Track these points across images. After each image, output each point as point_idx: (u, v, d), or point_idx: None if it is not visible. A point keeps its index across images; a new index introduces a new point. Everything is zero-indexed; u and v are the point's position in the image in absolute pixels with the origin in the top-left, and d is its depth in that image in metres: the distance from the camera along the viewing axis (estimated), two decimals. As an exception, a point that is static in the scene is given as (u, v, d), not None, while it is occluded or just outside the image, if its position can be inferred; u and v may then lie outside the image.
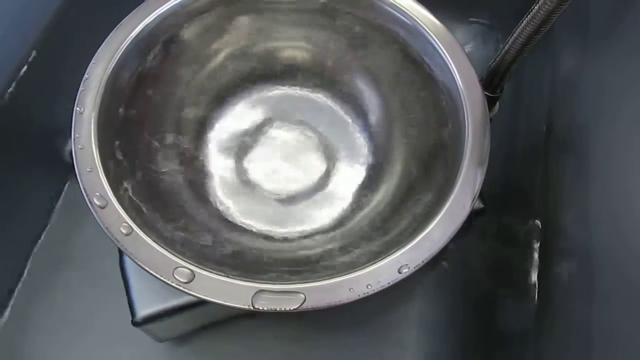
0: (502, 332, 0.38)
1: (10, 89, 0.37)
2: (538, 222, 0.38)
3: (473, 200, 0.30)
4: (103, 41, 0.33)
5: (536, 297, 0.37)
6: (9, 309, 0.39)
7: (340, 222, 0.35)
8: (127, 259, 0.35)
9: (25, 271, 0.40)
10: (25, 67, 0.38)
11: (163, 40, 0.35)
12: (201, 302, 0.34)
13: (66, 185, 0.43)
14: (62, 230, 0.41)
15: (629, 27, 0.34)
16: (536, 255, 0.38)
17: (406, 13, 0.35)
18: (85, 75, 0.32)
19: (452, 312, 0.39)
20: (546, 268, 0.37)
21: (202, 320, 0.38)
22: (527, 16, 0.31)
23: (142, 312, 0.34)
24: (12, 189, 0.39)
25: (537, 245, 0.38)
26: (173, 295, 0.34)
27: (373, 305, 0.39)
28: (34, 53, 0.38)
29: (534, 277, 0.37)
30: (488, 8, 0.48)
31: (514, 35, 0.32)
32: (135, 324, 0.34)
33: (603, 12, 0.36)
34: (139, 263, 0.27)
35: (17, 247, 0.40)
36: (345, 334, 0.39)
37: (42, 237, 0.41)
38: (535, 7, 0.31)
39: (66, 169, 0.42)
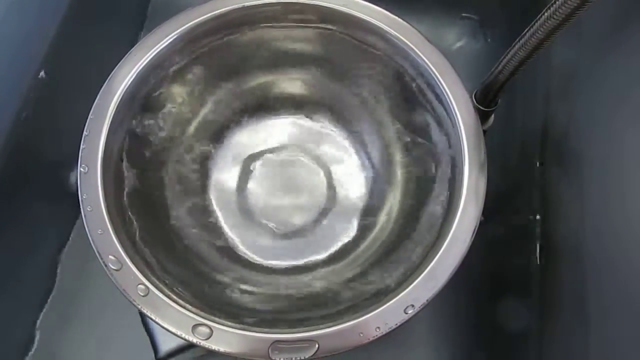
0: (506, 335, 0.40)
1: (14, 127, 0.37)
2: (537, 229, 0.39)
3: (473, 233, 0.31)
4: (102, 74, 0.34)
5: (538, 300, 0.38)
6: (35, 345, 0.41)
7: (344, 252, 0.36)
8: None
9: (44, 310, 0.41)
10: (27, 104, 0.38)
11: (155, 86, 0.35)
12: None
13: (78, 217, 0.44)
14: (77, 266, 0.42)
15: (622, 35, 0.33)
16: (536, 266, 0.39)
17: (395, 34, 0.35)
18: (85, 132, 0.32)
19: (455, 314, 0.41)
20: (547, 273, 0.38)
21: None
22: (519, 41, 0.31)
23: (165, 347, 0.35)
24: (23, 225, 0.40)
25: (537, 251, 0.39)
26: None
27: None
28: (33, 91, 0.38)
29: (536, 281, 0.39)
30: (478, 4, 0.47)
31: (507, 57, 0.32)
32: None
33: (596, 19, 0.36)
34: (159, 322, 0.29)
35: (34, 283, 0.42)
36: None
37: (57, 274, 0.42)
38: (528, 34, 0.30)
39: (73, 201, 0.43)
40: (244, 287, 0.34)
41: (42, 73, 0.39)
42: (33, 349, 0.40)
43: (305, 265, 0.36)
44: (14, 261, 0.39)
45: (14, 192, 0.39)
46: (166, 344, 0.35)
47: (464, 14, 0.47)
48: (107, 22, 0.45)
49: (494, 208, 0.41)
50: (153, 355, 0.36)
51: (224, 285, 0.33)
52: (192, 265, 0.34)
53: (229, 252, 0.36)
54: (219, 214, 0.38)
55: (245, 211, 0.38)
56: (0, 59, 0.37)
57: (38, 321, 0.41)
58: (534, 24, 0.30)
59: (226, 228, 0.37)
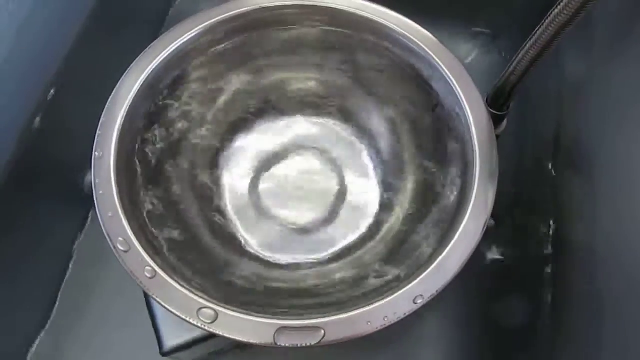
0: (516, 339, 0.39)
1: (33, 127, 0.38)
2: (549, 235, 0.39)
3: (484, 226, 0.31)
4: (119, 78, 0.35)
5: (550, 304, 0.38)
6: (37, 342, 0.40)
7: (354, 249, 0.36)
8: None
9: (55, 306, 0.42)
10: (45, 105, 0.39)
11: (173, 79, 0.36)
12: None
13: (89, 217, 0.44)
14: (87, 263, 0.43)
15: (633, 40, 0.34)
16: (548, 268, 0.38)
17: (409, 37, 0.35)
18: (102, 119, 0.33)
19: (465, 316, 0.40)
20: (559, 284, 0.37)
21: (228, 345, 0.39)
22: (530, 39, 0.32)
23: (170, 342, 0.35)
24: (36, 224, 0.40)
25: (549, 261, 0.39)
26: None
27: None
28: (52, 90, 0.39)
29: (548, 284, 0.38)
30: (490, 19, 0.48)
31: (518, 57, 0.33)
32: (163, 354, 0.35)
33: (607, 24, 0.36)
34: (164, 305, 0.29)
35: (45, 281, 0.42)
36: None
37: (68, 271, 0.42)
38: (539, 31, 0.31)
39: (87, 202, 0.44)
40: (253, 280, 0.33)
41: (59, 76, 0.40)
42: (36, 343, 0.40)
43: (314, 261, 0.36)
44: (25, 258, 0.39)
45: (28, 189, 0.39)
46: (171, 340, 0.35)
47: (475, 28, 0.48)
48: (126, 27, 0.46)
49: (506, 212, 0.40)
50: (158, 351, 0.35)
51: (233, 277, 0.33)
52: (201, 255, 0.34)
53: (238, 245, 0.36)
54: (230, 208, 0.38)
55: (255, 207, 0.38)
56: (21, 62, 0.38)
57: (50, 315, 0.41)
58: (545, 20, 0.30)
59: (237, 221, 0.37)
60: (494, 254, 0.41)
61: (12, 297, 0.38)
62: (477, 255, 0.41)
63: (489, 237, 0.40)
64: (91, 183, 0.32)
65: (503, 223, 0.39)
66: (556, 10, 0.29)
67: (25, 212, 0.39)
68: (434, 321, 0.40)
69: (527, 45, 0.32)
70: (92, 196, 0.32)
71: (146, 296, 0.36)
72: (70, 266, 0.43)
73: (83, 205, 0.45)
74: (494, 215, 0.38)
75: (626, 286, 0.30)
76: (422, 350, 0.40)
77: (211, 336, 0.35)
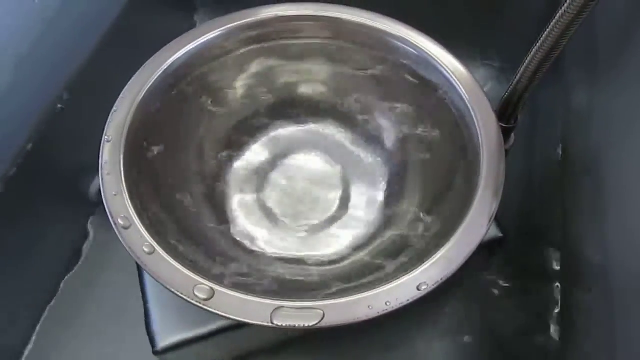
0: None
1: (39, 132, 0.39)
2: (558, 252, 0.38)
3: (490, 219, 0.30)
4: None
5: (558, 329, 0.36)
6: (34, 339, 0.40)
7: (354, 251, 0.35)
8: (148, 290, 0.35)
9: (51, 304, 0.41)
10: (54, 111, 0.40)
11: (186, 78, 0.37)
12: (220, 332, 0.34)
13: (92, 225, 0.44)
14: (88, 266, 0.42)
15: (635, 58, 0.34)
16: (557, 286, 0.37)
17: (420, 49, 0.37)
18: (114, 108, 0.34)
19: (472, 347, 0.38)
20: (568, 299, 0.36)
21: (221, 353, 0.38)
22: (536, 43, 0.32)
23: (163, 342, 0.34)
24: (39, 229, 0.40)
25: (557, 276, 0.37)
26: (193, 325, 0.34)
27: (392, 339, 0.38)
28: (64, 95, 0.40)
29: (556, 309, 0.37)
30: (501, 50, 0.49)
31: (525, 63, 0.33)
32: (155, 353, 0.34)
33: (610, 45, 0.37)
34: (160, 281, 0.28)
35: (44, 282, 0.41)
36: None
37: (68, 274, 0.42)
38: (544, 34, 0.32)
39: (92, 208, 0.44)
40: (253, 272, 0.33)
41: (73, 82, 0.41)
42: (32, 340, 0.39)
43: (321, 261, 0.35)
44: (25, 258, 0.39)
45: (33, 191, 0.39)
46: (165, 339, 0.34)
47: (487, 60, 0.49)
48: (143, 40, 0.47)
49: (515, 229, 0.40)
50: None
51: (232, 263, 0.32)
52: (202, 240, 0.33)
53: (244, 246, 0.36)
54: (236, 205, 0.38)
55: (262, 210, 0.38)
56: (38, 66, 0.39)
57: (40, 320, 0.40)
58: (550, 22, 0.31)
59: (242, 222, 0.37)
60: (501, 268, 0.39)
61: (9, 296, 0.38)
62: (483, 269, 0.40)
63: (496, 250, 0.39)
64: (98, 189, 0.32)
65: (511, 239, 0.38)
66: (560, 11, 0.30)
67: (28, 214, 0.39)
68: (439, 334, 0.38)
69: (534, 49, 0.33)
70: (99, 202, 0.32)
71: (143, 294, 0.35)
72: (71, 269, 0.42)
73: (88, 212, 0.44)
74: (502, 228, 0.37)
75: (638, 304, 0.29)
76: None
77: (206, 336, 0.34)
